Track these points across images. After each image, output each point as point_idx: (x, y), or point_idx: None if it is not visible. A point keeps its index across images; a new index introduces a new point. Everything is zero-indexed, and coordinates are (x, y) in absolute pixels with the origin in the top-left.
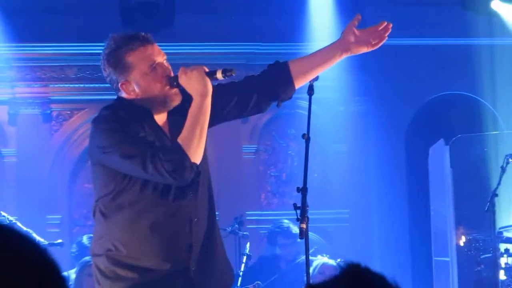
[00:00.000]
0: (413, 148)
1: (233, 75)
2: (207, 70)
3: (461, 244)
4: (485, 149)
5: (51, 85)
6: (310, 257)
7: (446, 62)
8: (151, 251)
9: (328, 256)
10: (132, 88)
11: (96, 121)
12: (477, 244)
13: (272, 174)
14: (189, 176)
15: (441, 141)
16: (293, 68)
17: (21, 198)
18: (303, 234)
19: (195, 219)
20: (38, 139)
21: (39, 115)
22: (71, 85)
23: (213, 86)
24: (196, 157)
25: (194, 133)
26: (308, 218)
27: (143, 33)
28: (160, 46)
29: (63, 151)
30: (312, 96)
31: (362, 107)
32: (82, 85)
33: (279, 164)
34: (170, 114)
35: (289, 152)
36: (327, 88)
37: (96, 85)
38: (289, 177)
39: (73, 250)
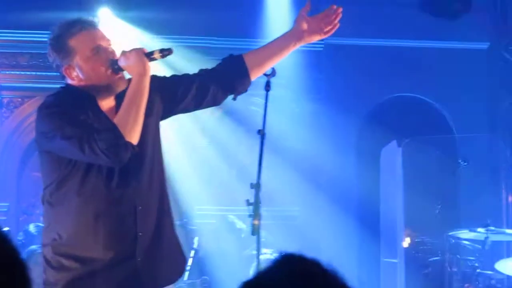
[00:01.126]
0: (365, 148)
1: (171, 54)
2: (146, 51)
3: (409, 246)
4: (437, 152)
5: (3, 72)
6: (253, 252)
7: (400, 63)
8: (95, 240)
9: (272, 251)
10: (76, 73)
11: (39, 108)
12: (425, 247)
13: (224, 169)
14: (125, 155)
15: (394, 143)
16: (248, 60)
17: None
18: (256, 230)
19: (139, 207)
20: None
21: None
22: (23, 73)
23: (169, 78)
24: (132, 136)
25: (129, 112)
26: (260, 214)
27: (86, 18)
28: None
29: (13, 139)
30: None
31: (315, 105)
32: (34, 73)
33: (229, 159)
34: (118, 99)
35: (241, 147)
36: (281, 85)
37: (49, 74)
38: (239, 174)
39: (20, 238)
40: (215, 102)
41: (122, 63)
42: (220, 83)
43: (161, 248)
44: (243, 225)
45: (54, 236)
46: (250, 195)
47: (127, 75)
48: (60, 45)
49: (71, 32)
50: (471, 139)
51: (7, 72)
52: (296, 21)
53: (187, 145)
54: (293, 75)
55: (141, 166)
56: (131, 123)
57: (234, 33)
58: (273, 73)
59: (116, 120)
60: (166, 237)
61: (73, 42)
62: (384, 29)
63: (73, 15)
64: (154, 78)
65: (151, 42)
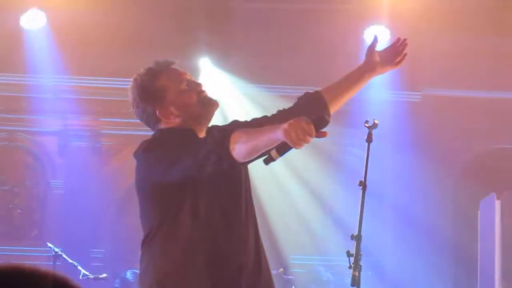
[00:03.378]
0: (463, 200)
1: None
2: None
3: None
4: None
5: (102, 119)
6: None
7: (498, 115)
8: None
9: None
10: (171, 111)
11: (142, 152)
12: None
13: (320, 218)
14: (226, 162)
15: (493, 195)
16: (326, 94)
17: (66, 230)
18: (356, 281)
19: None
20: (86, 171)
21: (89, 148)
22: (121, 120)
23: (250, 121)
24: (240, 153)
25: (253, 136)
26: (361, 266)
27: (161, 60)
28: None
29: (111, 185)
30: (361, 143)
31: (413, 156)
32: (132, 120)
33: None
34: (208, 134)
35: (337, 197)
36: (379, 136)
37: None
38: (336, 223)
39: (116, 286)
40: None
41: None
42: None
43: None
44: (331, 276)
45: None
46: (347, 246)
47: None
48: (147, 91)
49: (155, 75)
50: None
51: (106, 119)
52: (367, 54)
53: (284, 193)
54: (391, 126)
55: (239, 199)
56: (245, 141)
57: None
58: (374, 125)
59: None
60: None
61: (160, 82)
62: (483, 80)
63: (174, 65)
64: (236, 123)
65: (251, 90)
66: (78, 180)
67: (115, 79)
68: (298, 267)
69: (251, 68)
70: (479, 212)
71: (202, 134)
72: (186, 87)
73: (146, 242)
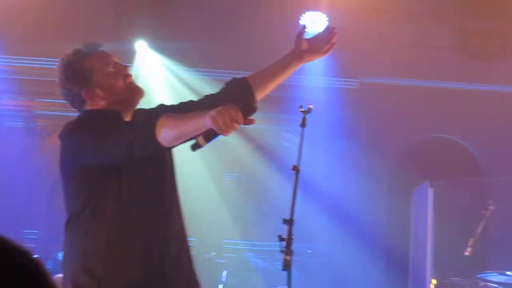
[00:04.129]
0: (396, 188)
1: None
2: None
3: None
4: (468, 194)
5: (37, 99)
6: None
7: (433, 104)
8: (122, 260)
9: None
10: (97, 93)
11: (65, 132)
12: None
13: (253, 204)
14: (151, 147)
15: (426, 184)
16: (253, 81)
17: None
18: (287, 266)
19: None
20: (21, 152)
21: (23, 128)
22: (56, 101)
23: (177, 105)
24: (165, 138)
25: (188, 123)
26: (292, 250)
27: (90, 42)
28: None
29: (45, 166)
30: (296, 129)
31: (347, 143)
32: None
33: (260, 195)
34: (135, 118)
35: (270, 183)
36: (314, 122)
37: None
38: (269, 208)
39: (49, 267)
40: None
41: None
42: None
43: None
44: (260, 262)
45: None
46: (280, 231)
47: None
48: (74, 71)
49: (82, 56)
50: (502, 182)
51: (42, 100)
52: (296, 42)
53: (218, 178)
54: (326, 112)
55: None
56: (172, 125)
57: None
58: (309, 110)
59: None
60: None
61: (87, 63)
62: (418, 69)
63: (109, 47)
64: (162, 107)
65: (185, 74)
66: (12, 161)
67: (50, 59)
68: (230, 252)
69: (187, 52)
70: (412, 201)
71: (127, 118)
72: (112, 69)
73: (70, 224)
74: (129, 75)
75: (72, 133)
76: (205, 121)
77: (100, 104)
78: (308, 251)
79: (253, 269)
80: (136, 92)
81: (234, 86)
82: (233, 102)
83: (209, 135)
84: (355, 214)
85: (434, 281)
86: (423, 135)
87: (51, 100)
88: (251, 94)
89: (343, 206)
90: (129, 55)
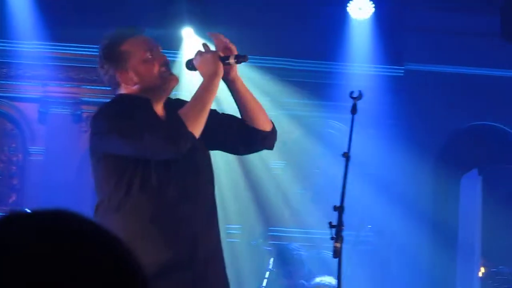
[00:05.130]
0: (444, 175)
1: (246, 61)
2: (221, 55)
3: (486, 276)
4: None
5: (83, 86)
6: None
7: (481, 91)
8: (152, 245)
9: (332, 277)
10: (131, 77)
11: (94, 114)
12: (502, 277)
13: (298, 191)
14: (184, 144)
15: (474, 171)
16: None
17: (46, 197)
18: (337, 253)
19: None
20: (67, 139)
21: (69, 115)
22: (103, 88)
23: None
24: (195, 128)
25: (195, 106)
26: (343, 237)
27: (134, 26)
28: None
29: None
30: (343, 116)
31: (393, 130)
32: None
33: (305, 182)
34: (167, 107)
35: (316, 170)
36: (360, 109)
37: None
38: (315, 196)
39: None
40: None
41: (197, 62)
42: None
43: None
44: (304, 254)
45: None
46: (327, 219)
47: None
48: (113, 52)
49: (122, 38)
50: None
51: (87, 87)
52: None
53: (264, 166)
54: (372, 99)
55: (196, 172)
56: (194, 115)
57: (313, 55)
58: (359, 96)
59: (180, 111)
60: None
61: (126, 47)
62: (465, 57)
63: (156, 33)
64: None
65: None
66: (58, 147)
67: (96, 46)
68: (277, 240)
69: (232, 39)
70: (460, 187)
71: (159, 106)
72: (149, 56)
73: (100, 208)
74: (165, 64)
75: (98, 117)
76: (209, 81)
77: (133, 88)
78: (368, 225)
79: (297, 261)
80: (169, 80)
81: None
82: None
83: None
84: (401, 200)
85: (482, 269)
86: (471, 122)
87: (97, 87)
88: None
89: (388, 193)
90: (176, 42)
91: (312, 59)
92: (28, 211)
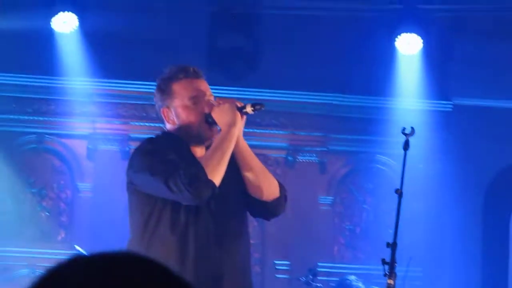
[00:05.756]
0: (493, 212)
1: (262, 109)
2: (239, 105)
3: None
4: None
5: (132, 123)
6: None
7: None
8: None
9: None
10: (172, 116)
11: (134, 149)
12: None
13: (347, 227)
14: (206, 192)
15: None
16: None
17: (94, 233)
18: None
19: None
20: (115, 175)
21: (118, 152)
22: (151, 124)
23: None
24: (215, 176)
25: (214, 154)
26: (395, 274)
27: (193, 67)
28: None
29: None
30: (391, 152)
31: (442, 166)
32: (162, 125)
33: (354, 218)
34: None
35: (365, 206)
36: (411, 144)
37: None
38: (363, 231)
39: None
40: None
41: (215, 113)
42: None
43: None
44: (362, 286)
45: None
46: (374, 255)
47: None
48: (164, 86)
49: (176, 77)
50: None
51: (136, 123)
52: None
53: (311, 201)
54: (420, 134)
55: (226, 216)
56: (214, 164)
57: (361, 90)
58: (412, 132)
59: (200, 158)
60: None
61: (176, 87)
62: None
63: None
64: None
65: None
66: (107, 184)
67: (145, 83)
68: (325, 275)
69: (283, 74)
70: (510, 224)
71: (199, 148)
72: (190, 104)
73: (132, 245)
74: (206, 117)
75: (136, 151)
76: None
77: (175, 128)
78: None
79: None
80: (207, 133)
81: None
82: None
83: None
84: (449, 237)
85: None
86: None
87: (146, 124)
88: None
89: (436, 229)
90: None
91: (361, 94)
92: (92, 253)
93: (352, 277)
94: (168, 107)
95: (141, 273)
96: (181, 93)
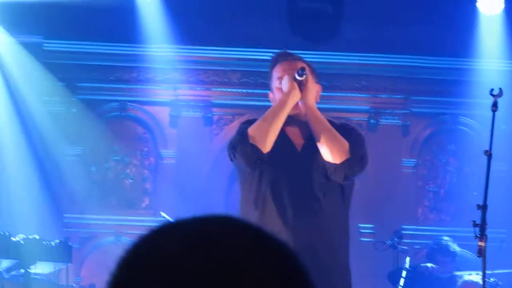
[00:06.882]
0: None
1: (305, 72)
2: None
3: None
4: None
5: (214, 89)
6: (457, 273)
7: None
8: None
9: (477, 273)
10: (271, 97)
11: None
12: None
13: (430, 189)
14: (249, 156)
15: None
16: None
17: (178, 199)
18: (482, 252)
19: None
20: (198, 142)
21: (200, 118)
22: (233, 90)
23: None
24: (259, 141)
25: (260, 121)
26: (486, 236)
27: (287, 52)
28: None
29: (223, 155)
30: (474, 113)
31: None
32: (244, 90)
33: (437, 180)
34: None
35: (448, 168)
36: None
37: (259, 91)
38: (447, 193)
39: None
40: None
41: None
42: None
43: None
44: (457, 248)
45: None
46: (456, 218)
47: None
48: (269, 72)
49: (275, 62)
50: None
51: (218, 89)
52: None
53: (394, 165)
54: (504, 96)
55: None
56: (258, 129)
57: (442, 52)
58: (500, 93)
59: (252, 126)
60: None
61: (273, 71)
62: None
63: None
64: None
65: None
66: (190, 150)
67: (226, 48)
68: (409, 238)
69: (365, 36)
70: None
71: (292, 128)
72: (278, 84)
73: (242, 206)
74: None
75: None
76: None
77: None
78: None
79: (451, 254)
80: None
81: None
82: None
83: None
84: None
85: None
86: None
87: (228, 89)
88: None
89: None
90: None
91: (443, 56)
92: (188, 218)
93: (447, 238)
94: (271, 91)
95: (238, 236)
96: (274, 76)
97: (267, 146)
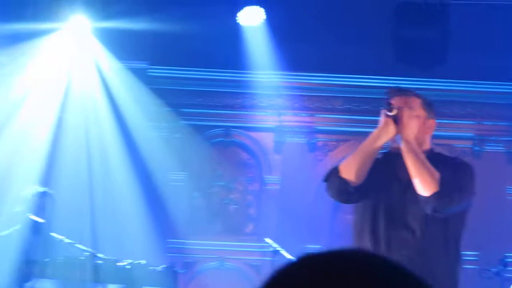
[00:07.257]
0: None
1: (391, 110)
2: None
3: None
4: None
5: (317, 115)
6: None
7: None
8: None
9: None
10: None
11: None
12: None
13: None
14: (337, 188)
15: None
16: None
17: (282, 226)
18: None
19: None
20: (303, 168)
21: (305, 144)
22: (337, 116)
23: None
24: (346, 173)
25: (351, 155)
26: None
27: (399, 87)
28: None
29: None
30: None
31: None
32: (348, 117)
33: None
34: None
35: None
36: None
37: (362, 118)
38: None
39: None
40: None
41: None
42: None
43: None
44: None
45: None
46: None
47: None
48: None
49: (387, 96)
50: None
51: (322, 116)
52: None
53: (498, 191)
54: None
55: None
56: (347, 162)
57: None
58: None
59: (343, 161)
60: None
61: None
62: None
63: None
64: None
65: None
66: (294, 176)
67: (330, 75)
68: None
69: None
70: None
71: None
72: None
73: (355, 232)
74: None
75: None
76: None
77: None
78: None
79: None
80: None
81: None
82: None
83: None
84: None
85: None
86: None
87: (332, 116)
88: None
89: None
90: None
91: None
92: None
93: None
94: None
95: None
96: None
97: (355, 179)
